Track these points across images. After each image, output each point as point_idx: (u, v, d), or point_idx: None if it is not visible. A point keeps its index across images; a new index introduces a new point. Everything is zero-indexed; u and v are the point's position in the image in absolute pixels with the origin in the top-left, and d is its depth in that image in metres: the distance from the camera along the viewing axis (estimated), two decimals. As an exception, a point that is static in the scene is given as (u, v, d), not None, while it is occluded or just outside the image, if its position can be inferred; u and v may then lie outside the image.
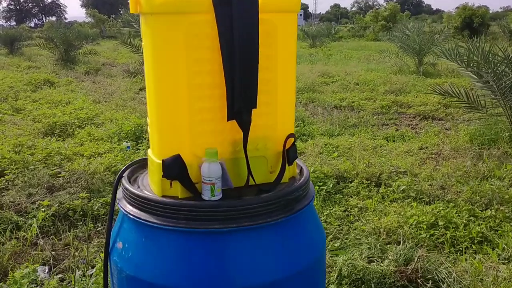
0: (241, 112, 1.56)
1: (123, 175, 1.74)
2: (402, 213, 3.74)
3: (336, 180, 4.41)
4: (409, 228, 3.54)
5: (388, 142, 5.80)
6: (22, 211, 3.96)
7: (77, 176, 4.46)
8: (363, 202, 4.01)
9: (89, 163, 4.69)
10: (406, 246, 3.17)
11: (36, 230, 3.58)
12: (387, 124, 6.74)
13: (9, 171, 4.59)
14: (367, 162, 4.78)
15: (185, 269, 1.49)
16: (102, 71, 11.51)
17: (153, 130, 1.63)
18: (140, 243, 1.57)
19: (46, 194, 4.20)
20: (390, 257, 3.03)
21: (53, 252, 3.36)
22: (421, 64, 11.08)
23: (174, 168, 1.55)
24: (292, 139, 1.69)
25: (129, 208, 1.60)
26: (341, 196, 4.15)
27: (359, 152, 5.17)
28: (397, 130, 6.35)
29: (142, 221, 1.55)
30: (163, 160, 1.56)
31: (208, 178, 1.55)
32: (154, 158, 1.63)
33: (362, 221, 3.68)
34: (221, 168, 1.57)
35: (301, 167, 1.81)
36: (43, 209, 3.85)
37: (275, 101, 1.64)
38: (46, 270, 3.20)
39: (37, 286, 2.73)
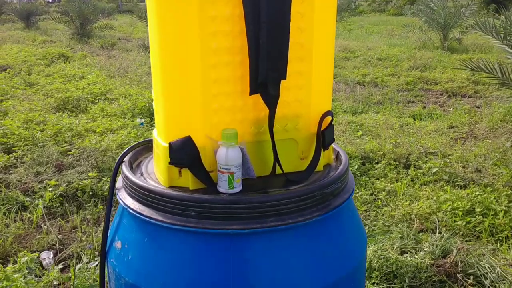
0: (267, 84, 1.23)
1: (124, 159, 1.43)
2: (434, 198, 3.40)
3: (362, 161, 4.07)
4: (443, 214, 3.20)
5: (415, 120, 5.41)
6: (29, 190, 3.70)
7: (87, 153, 4.19)
8: (391, 185, 3.67)
9: (101, 140, 4.42)
10: (443, 236, 2.84)
11: (42, 212, 3.32)
12: (413, 102, 6.34)
13: (18, 147, 4.34)
14: (394, 142, 4.42)
15: (196, 278, 1.19)
16: (118, 45, 11.19)
17: (159, 105, 1.32)
18: (142, 244, 1.26)
19: (54, 172, 3.93)
20: (425, 249, 2.71)
21: (59, 236, 3.10)
22: (446, 39, 10.54)
23: (184, 153, 1.23)
24: (329, 118, 1.36)
25: (129, 201, 1.30)
26: (367, 179, 3.82)
27: (385, 131, 4.81)
28: (424, 107, 5.95)
29: (144, 218, 1.24)
30: (170, 143, 1.24)
31: (226, 166, 1.23)
32: (160, 140, 1.32)
33: (390, 206, 3.35)
34: (242, 154, 1.25)
35: (338, 151, 1.48)
36: (50, 189, 3.59)
37: (310, 70, 1.30)
38: (51, 256, 2.95)
39: (35, 277, 2.47)
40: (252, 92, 1.23)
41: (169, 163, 1.26)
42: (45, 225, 3.13)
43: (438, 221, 3.06)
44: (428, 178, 3.73)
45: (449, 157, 4.16)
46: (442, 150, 4.29)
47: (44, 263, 2.82)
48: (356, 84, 7.16)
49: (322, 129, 1.34)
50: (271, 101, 1.25)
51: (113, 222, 1.42)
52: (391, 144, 4.31)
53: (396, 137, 4.60)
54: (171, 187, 1.30)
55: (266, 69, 1.20)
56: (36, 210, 3.29)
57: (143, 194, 1.26)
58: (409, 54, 9.43)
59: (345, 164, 1.38)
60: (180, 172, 1.29)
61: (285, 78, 1.24)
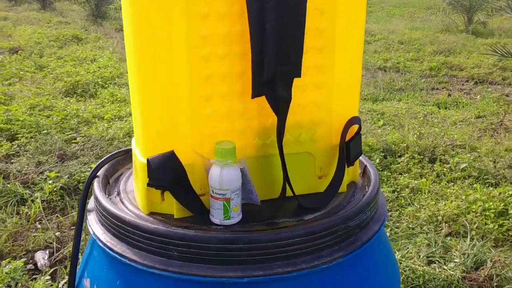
0: (275, 83, 0.91)
1: (97, 173, 1.13)
2: (463, 197, 3.05)
3: (383, 154, 3.72)
4: (473, 216, 2.86)
5: (439, 109, 5.02)
6: (29, 182, 3.44)
7: (92, 142, 3.91)
8: (415, 181, 3.33)
9: (108, 127, 4.15)
10: (475, 243, 2.50)
11: (40, 207, 3.06)
12: (437, 88, 5.92)
13: (22, 135, 4.09)
14: (417, 133, 4.05)
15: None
16: (134, 27, 10.86)
17: (135, 109, 1.01)
18: (113, 287, 0.97)
19: (56, 163, 3.66)
20: (456, 259, 2.38)
21: (57, 233, 2.84)
22: (470, 22, 9.99)
23: (165, 172, 0.93)
24: (355, 127, 1.04)
25: (99, 231, 1.00)
26: (389, 173, 3.47)
27: (408, 121, 4.44)
28: (449, 95, 5.54)
29: (116, 255, 0.94)
30: (147, 160, 0.94)
31: (220, 191, 0.92)
32: (138, 153, 1.01)
33: (415, 206, 3.01)
34: (242, 174, 0.94)
35: (365, 165, 1.16)
36: (50, 181, 3.32)
37: (331, 64, 0.98)
38: (47, 256, 2.69)
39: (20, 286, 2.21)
40: (256, 93, 0.91)
41: (148, 184, 0.95)
42: (43, 221, 2.88)
43: (469, 224, 2.73)
44: (456, 175, 3.37)
45: (478, 150, 3.79)
46: (470, 142, 3.92)
47: (39, 264, 2.57)
48: (377, 70, 6.75)
49: (346, 139, 1.02)
50: (281, 105, 0.93)
51: (85, 251, 1.12)
52: (415, 136, 3.95)
53: (420, 127, 4.24)
54: (151, 213, 1.00)
55: (274, 63, 0.88)
56: (34, 204, 3.04)
57: (114, 224, 0.97)
58: (432, 38, 8.93)
59: (375, 183, 1.06)
60: (162, 195, 0.98)
61: (299, 75, 0.92)
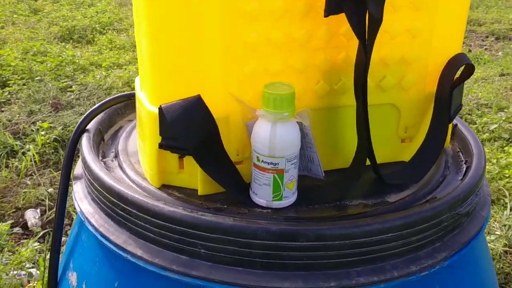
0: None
1: (87, 126, 0.80)
2: (494, 161, 2.76)
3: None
4: (506, 182, 2.57)
5: (460, 65, 4.64)
6: (20, 132, 3.11)
7: (89, 91, 3.56)
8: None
9: (107, 76, 3.80)
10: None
11: (31, 160, 2.75)
12: (456, 44, 5.51)
13: (13, 81, 3.73)
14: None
15: None
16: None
17: (141, 33, 0.66)
18: (110, 291, 0.66)
19: (50, 112, 3.32)
20: (497, 231, 2.10)
21: (50, 190, 2.54)
22: (486, -24, 9.43)
23: (186, 127, 0.60)
24: (464, 66, 0.70)
25: (89, 211, 0.68)
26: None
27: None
28: (469, 51, 5.15)
29: (113, 247, 0.63)
30: (161, 108, 0.61)
31: (271, 158, 0.60)
32: (145, 99, 0.68)
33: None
34: (303, 134, 0.61)
35: (455, 124, 0.83)
36: (43, 133, 3.00)
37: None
38: (38, 215, 2.40)
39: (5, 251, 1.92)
40: (332, 9, 0.57)
41: (160, 145, 0.63)
42: (34, 176, 2.58)
43: (507, 191, 2.44)
44: (484, 136, 3.06)
45: (505, 110, 3.47)
46: (497, 101, 3.59)
47: (29, 223, 2.29)
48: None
49: (451, 85, 0.68)
50: (370, 26, 0.59)
51: (71, 232, 0.81)
52: (438, 93, 3.61)
53: (442, 84, 3.89)
54: (164, 187, 0.68)
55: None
56: (25, 156, 2.73)
57: (110, 202, 0.65)
58: (446, -8, 8.42)
59: (480, 151, 0.74)
60: (181, 161, 0.66)
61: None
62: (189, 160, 0.65)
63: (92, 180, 0.68)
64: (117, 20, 5.36)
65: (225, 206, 0.64)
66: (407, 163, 0.71)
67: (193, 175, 0.66)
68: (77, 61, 4.12)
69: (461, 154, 0.78)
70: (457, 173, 0.73)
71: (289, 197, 0.63)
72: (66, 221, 2.06)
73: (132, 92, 0.83)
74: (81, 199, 0.71)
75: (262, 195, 0.63)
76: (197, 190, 0.66)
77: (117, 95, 0.88)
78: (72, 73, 3.96)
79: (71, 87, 3.69)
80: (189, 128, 0.60)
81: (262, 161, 0.61)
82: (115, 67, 4.10)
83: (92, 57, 4.27)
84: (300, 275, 0.57)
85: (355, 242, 0.57)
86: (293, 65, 0.63)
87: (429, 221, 0.60)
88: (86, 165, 0.70)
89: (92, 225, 0.66)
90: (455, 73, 0.68)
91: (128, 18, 5.56)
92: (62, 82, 3.77)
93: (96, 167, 0.68)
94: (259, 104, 0.60)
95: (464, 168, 0.73)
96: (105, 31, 5.10)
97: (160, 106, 0.61)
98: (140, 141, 0.73)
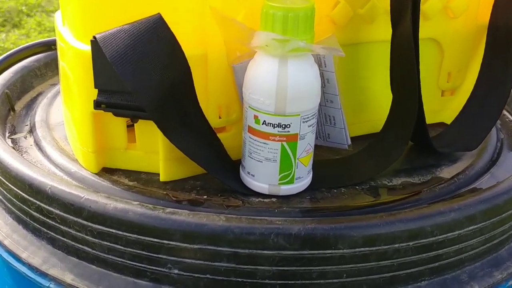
0: None
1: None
2: None
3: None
4: None
5: None
6: None
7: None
8: None
9: (35, 60, 3.37)
10: None
11: None
12: None
13: None
14: None
15: None
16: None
17: None
18: None
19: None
20: None
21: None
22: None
23: (139, 68, 0.36)
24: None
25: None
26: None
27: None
28: None
29: (26, 272, 0.38)
30: (94, 40, 0.36)
31: (276, 115, 0.37)
32: (68, 36, 0.43)
33: None
34: (324, 81, 0.39)
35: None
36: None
37: None
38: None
39: None
40: None
41: (96, 103, 0.38)
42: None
43: None
44: None
45: None
46: None
47: None
48: None
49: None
50: None
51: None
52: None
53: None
54: (106, 173, 0.43)
55: None
56: None
57: (21, 200, 0.40)
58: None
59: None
60: (131, 131, 0.42)
61: None
62: (144, 128, 0.41)
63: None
64: (46, 1, 4.90)
65: (205, 197, 0.40)
66: (455, 124, 0.50)
67: (151, 151, 0.42)
68: (2, 45, 3.67)
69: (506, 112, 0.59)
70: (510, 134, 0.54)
71: (304, 177, 0.41)
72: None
73: (54, 38, 0.57)
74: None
75: (262, 176, 0.40)
76: (158, 175, 0.43)
77: (30, 43, 0.62)
78: (-5, 59, 3.51)
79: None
80: (144, 72, 0.36)
81: (264, 122, 0.38)
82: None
83: (19, 41, 3.83)
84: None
85: (422, 244, 0.35)
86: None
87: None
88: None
89: (-7, 239, 0.41)
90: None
91: (59, -1, 5.09)
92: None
93: (1, 147, 0.43)
94: (257, 24, 0.37)
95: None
96: (33, 13, 4.64)
97: (94, 36, 0.36)
98: (66, 105, 0.48)
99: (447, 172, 0.46)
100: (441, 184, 0.44)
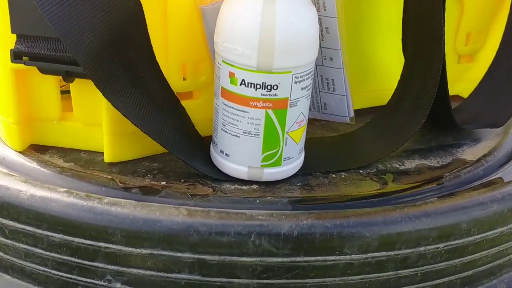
0: None
1: None
2: None
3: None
4: None
5: None
6: None
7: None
8: None
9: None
10: None
11: None
12: None
13: None
14: None
15: None
16: None
17: None
18: None
19: None
20: None
21: None
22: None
23: (71, 3, 0.25)
24: None
25: None
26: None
27: None
28: None
29: None
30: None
31: (259, 72, 0.27)
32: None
33: None
34: (321, 27, 0.29)
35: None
36: None
37: None
38: None
39: None
40: None
41: (15, 53, 0.28)
42: None
43: None
44: None
45: None
46: None
47: None
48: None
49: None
50: None
51: None
52: None
53: None
54: (35, 151, 0.33)
55: None
56: None
57: None
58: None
59: None
60: (67, 97, 0.32)
61: None
62: (83, 91, 0.31)
63: None
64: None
65: (163, 183, 0.30)
66: (475, 97, 0.41)
67: (92, 123, 0.32)
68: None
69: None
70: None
71: (294, 158, 0.31)
72: None
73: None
74: None
75: (240, 156, 0.30)
76: (101, 154, 0.32)
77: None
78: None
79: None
80: (78, 10, 0.25)
81: (243, 82, 0.28)
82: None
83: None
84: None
85: (455, 246, 0.26)
86: None
87: None
88: None
89: None
90: None
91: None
92: None
93: None
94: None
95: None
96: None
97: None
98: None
99: (470, 153, 0.37)
100: (466, 167, 0.34)
